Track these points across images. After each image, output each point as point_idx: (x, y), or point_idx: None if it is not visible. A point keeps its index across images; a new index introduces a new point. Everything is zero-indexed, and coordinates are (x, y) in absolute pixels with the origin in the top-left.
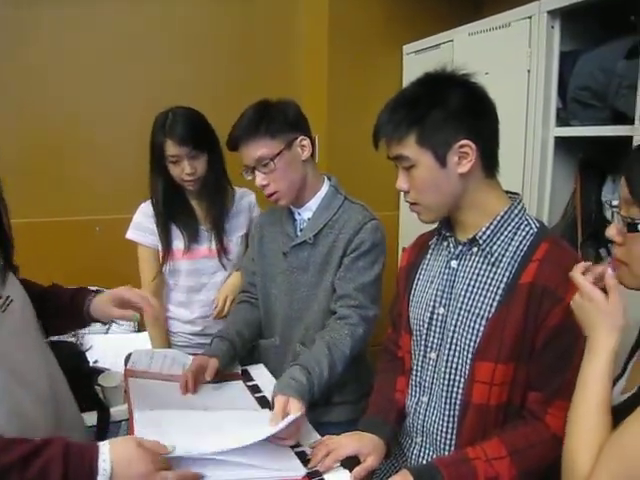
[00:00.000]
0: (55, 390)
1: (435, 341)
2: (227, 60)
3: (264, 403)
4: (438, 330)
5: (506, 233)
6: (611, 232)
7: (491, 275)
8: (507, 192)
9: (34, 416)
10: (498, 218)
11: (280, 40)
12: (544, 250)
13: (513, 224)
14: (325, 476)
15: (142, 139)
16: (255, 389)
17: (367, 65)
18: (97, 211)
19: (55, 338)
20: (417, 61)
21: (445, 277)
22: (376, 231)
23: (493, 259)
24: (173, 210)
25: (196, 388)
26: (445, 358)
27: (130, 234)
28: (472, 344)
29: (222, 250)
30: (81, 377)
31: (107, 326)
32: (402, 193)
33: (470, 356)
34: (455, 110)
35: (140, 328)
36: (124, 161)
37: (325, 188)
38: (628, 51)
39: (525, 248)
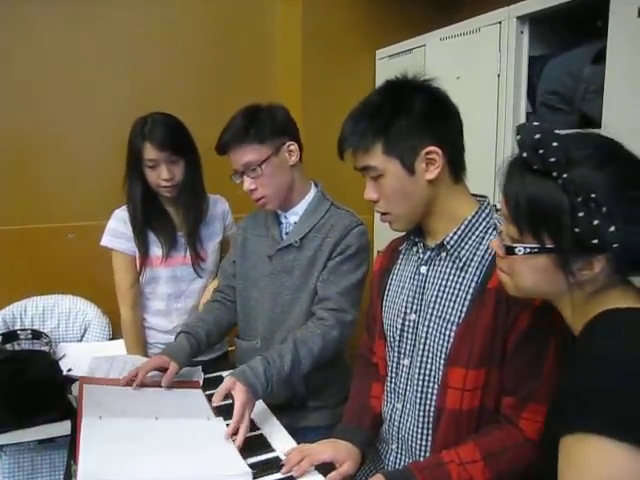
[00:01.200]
0: None
1: (408, 347)
2: (203, 65)
3: (220, 412)
4: (410, 336)
5: (474, 237)
6: (494, 245)
7: (460, 280)
8: (475, 195)
9: None
10: (466, 222)
11: (255, 44)
12: None
13: (481, 228)
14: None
15: (116, 144)
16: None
17: (341, 69)
18: (69, 218)
19: (28, 347)
20: (390, 65)
21: (415, 283)
22: (362, 236)
23: (461, 264)
24: (150, 216)
25: (140, 386)
26: (418, 365)
27: (105, 241)
28: (444, 350)
29: (197, 258)
30: (54, 387)
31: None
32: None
33: (442, 362)
34: (419, 116)
35: (115, 335)
36: (97, 166)
37: (312, 193)
38: (594, 56)
39: (493, 252)
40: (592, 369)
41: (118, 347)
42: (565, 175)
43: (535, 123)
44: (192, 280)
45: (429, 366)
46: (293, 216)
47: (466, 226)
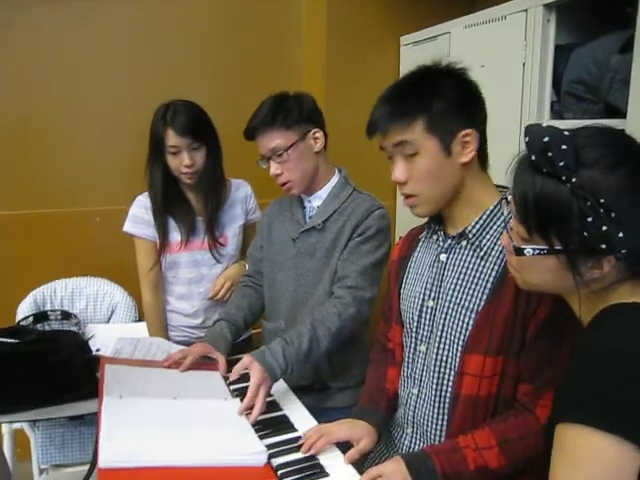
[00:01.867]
0: None
1: (425, 334)
2: (225, 51)
3: (237, 395)
4: (428, 323)
5: (495, 227)
6: (504, 241)
7: (480, 269)
8: (497, 186)
9: None
10: (487, 212)
11: (279, 30)
12: None
13: (503, 218)
14: (320, 457)
15: (138, 131)
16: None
17: (365, 56)
18: (96, 202)
19: (57, 327)
20: (414, 52)
21: (434, 270)
22: (383, 218)
23: (482, 253)
24: (170, 202)
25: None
26: (435, 351)
27: (127, 227)
28: (461, 337)
29: (215, 243)
30: (84, 366)
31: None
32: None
33: (459, 349)
34: (455, 100)
35: (142, 317)
36: (121, 153)
37: (335, 178)
38: (622, 45)
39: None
40: (589, 361)
41: (144, 329)
42: (574, 179)
43: (544, 124)
44: (213, 265)
45: (446, 352)
46: (316, 200)
47: (487, 216)
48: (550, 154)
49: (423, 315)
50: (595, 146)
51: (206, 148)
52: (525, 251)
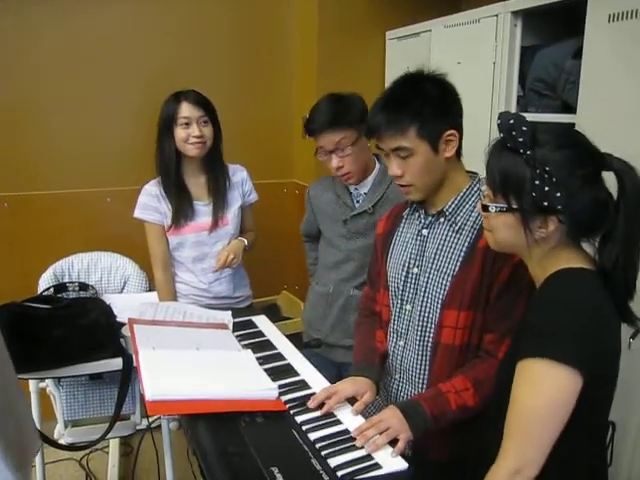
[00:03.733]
0: None
1: (409, 295)
2: (226, 47)
3: (245, 346)
4: (412, 286)
5: (467, 206)
6: (477, 207)
7: (455, 240)
8: (467, 172)
9: None
10: (461, 194)
11: (274, 28)
12: None
13: (474, 198)
14: (335, 412)
15: (145, 121)
16: (250, 335)
17: (353, 48)
18: (107, 183)
19: (83, 294)
20: (399, 46)
21: (417, 243)
22: None
23: (457, 227)
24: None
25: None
26: (419, 309)
27: (137, 213)
28: (440, 296)
29: (216, 224)
30: (108, 329)
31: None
32: None
33: (439, 306)
34: (440, 104)
35: (151, 288)
36: (130, 140)
37: (378, 166)
38: (575, 51)
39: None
40: (545, 308)
41: (154, 298)
42: (529, 152)
43: (512, 112)
44: (214, 243)
45: (428, 309)
46: (363, 187)
47: (461, 197)
48: (514, 132)
49: (409, 280)
50: (549, 131)
51: (212, 128)
52: (490, 208)
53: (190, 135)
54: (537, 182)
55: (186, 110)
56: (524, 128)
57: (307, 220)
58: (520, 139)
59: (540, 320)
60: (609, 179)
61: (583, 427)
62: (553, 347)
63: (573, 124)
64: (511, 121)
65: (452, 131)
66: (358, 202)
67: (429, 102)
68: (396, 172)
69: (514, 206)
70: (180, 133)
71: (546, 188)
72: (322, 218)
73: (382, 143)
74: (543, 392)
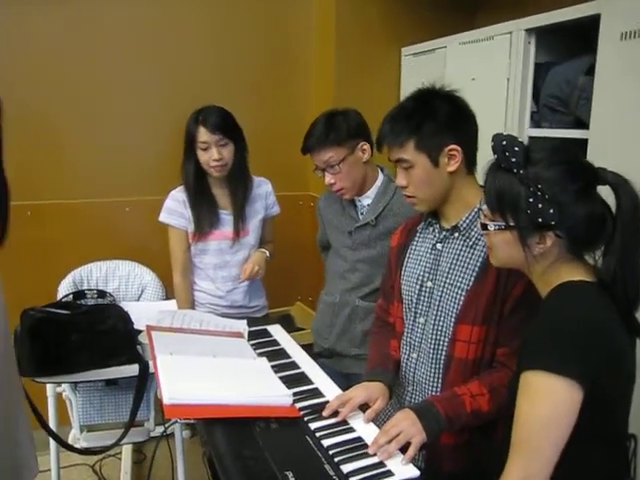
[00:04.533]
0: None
1: (423, 308)
2: (241, 61)
3: (261, 354)
4: (426, 300)
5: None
6: (478, 225)
7: (469, 255)
8: (482, 186)
9: None
10: (475, 209)
11: (293, 46)
12: None
13: None
14: (348, 420)
15: (165, 132)
16: (265, 344)
17: (370, 64)
18: (126, 193)
19: (101, 301)
20: (414, 63)
21: (432, 257)
22: None
23: (471, 242)
24: (198, 196)
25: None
26: (432, 322)
27: (162, 217)
28: (454, 310)
29: (238, 234)
30: (126, 335)
31: (139, 294)
32: None
33: (453, 320)
34: (444, 120)
35: (168, 297)
36: (149, 150)
37: (381, 178)
38: (587, 68)
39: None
40: (542, 321)
41: (171, 306)
42: (522, 172)
43: (505, 133)
44: (235, 252)
45: (442, 323)
46: (366, 199)
47: (475, 212)
48: (507, 153)
49: (422, 293)
50: (542, 149)
51: (234, 146)
52: (488, 226)
53: (210, 158)
54: (531, 199)
55: (204, 135)
56: (516, 148)
57: (320, 231)
58: (513, 159)
59: (537, 333)
60: (607, 193)
61: (598, 440)
62: (549, 359)
63: (586, 140)
64: (504, 142)
65: (454, 146)
66: (362, 214)
67: (432, 117)
68: (401, 182)
69: (511, 224)
70: (201, 155)
71: (539, 205)
72: (330, 229)
73: (389, 155)
74: (542, 404)
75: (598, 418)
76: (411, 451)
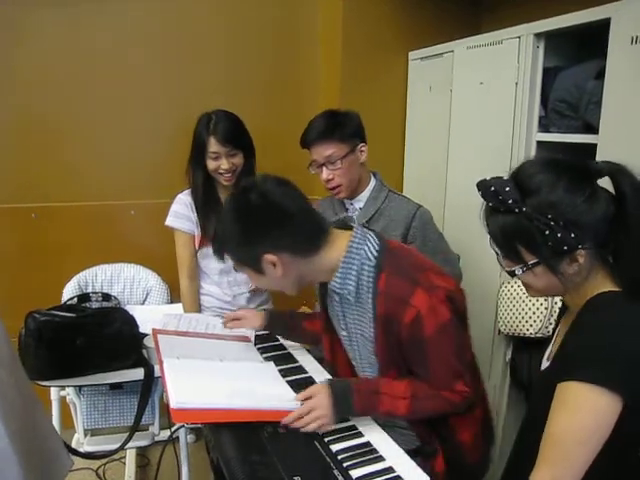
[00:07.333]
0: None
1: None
2: (246, 64)
3: (267, 359)
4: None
5: (351, 276)
6: (505, 275)
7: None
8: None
9: None
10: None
11: (299, 50)
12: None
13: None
14: (358, 426)
15: (170, 136)
16: (272, 348)
17: (377, 68)
18: (131, 196)
19: (106, 305)
20: (421, 66)
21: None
22: (424, 213)
23: (354, 300)
24: (205, 202)
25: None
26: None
27: (169, 221)
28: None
29: None
30: (131, 339)
31: (144, 297)
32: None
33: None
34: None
35: (173, 300)
36: (155, 154)
37: (372, 182)
38: (597, 72)
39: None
40: (582, 333)
41: (176, 310)
42: (524, 209)
43: (488, 178)
44: None
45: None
46: (358, 203)
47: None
48: (500, 197)
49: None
50: (534, 174)
51: (242, 153)
52: (515, 271)
53: (220, 167)
54: (547, 232)
55: (214, 146)
56: (507, 188)
57: None
58: (509, 200)
59: (577, 344)
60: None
61: (636, 458)
62: (592, 371)
63: (595, 145)
64: (492, 188)
65: (270, 256)
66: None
67: None
68: None
69: (534, 261)
70: (210, 164)
71: (559, 235)
72: None
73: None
74: (582, 415)
75: (635, 433)
76: (310, 428)
